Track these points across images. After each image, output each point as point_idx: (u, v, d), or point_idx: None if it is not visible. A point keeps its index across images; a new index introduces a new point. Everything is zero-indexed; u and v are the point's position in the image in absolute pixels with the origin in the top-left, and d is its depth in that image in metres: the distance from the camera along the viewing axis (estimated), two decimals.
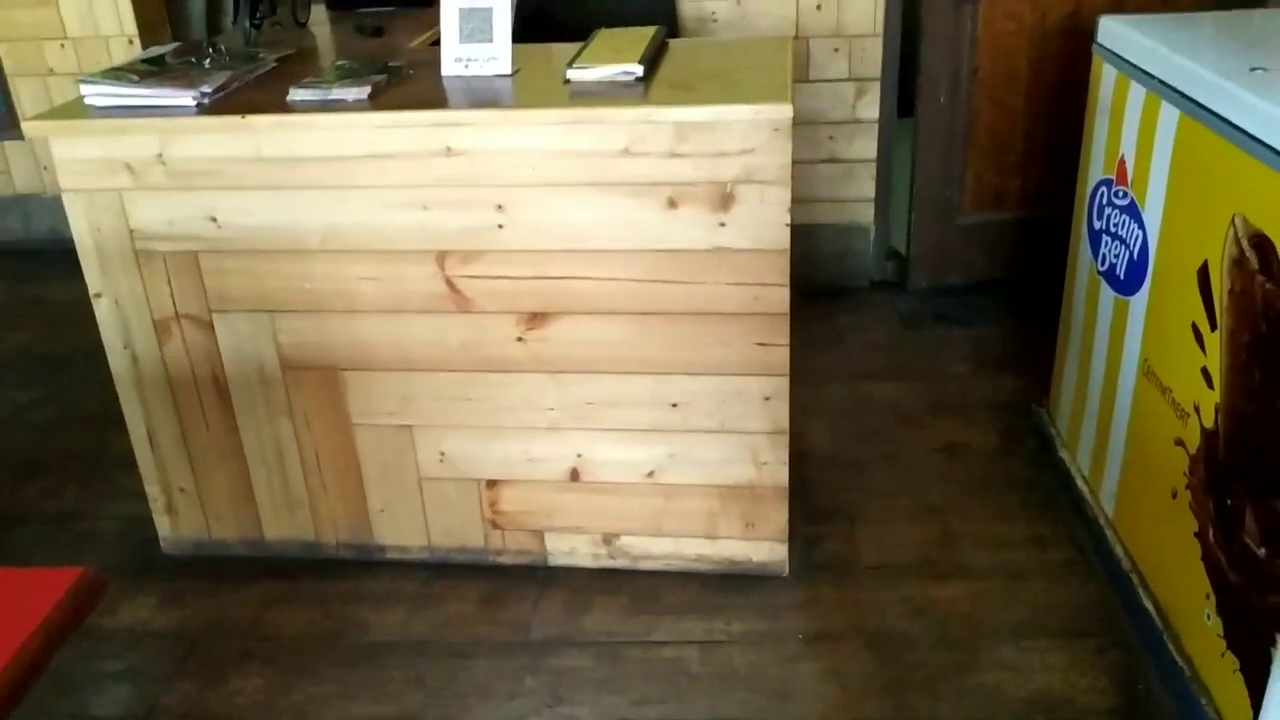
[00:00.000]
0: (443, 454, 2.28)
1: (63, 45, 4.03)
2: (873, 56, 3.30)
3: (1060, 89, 3.30)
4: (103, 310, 2.25)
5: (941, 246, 3.54)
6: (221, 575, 2.40)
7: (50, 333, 3.59)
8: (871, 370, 3.10)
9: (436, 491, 2.32)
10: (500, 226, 2.05)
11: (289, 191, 2.08)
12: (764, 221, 1.98)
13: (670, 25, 3.18)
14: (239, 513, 2.41)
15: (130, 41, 3.99)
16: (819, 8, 3.25)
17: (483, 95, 2.07)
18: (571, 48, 2.25)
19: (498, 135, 1.98)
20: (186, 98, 2.06)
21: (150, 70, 2.17)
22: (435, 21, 2.79)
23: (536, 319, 2.12)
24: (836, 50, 3.30)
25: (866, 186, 3.48)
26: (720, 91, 1.99)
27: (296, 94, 2.06)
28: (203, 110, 2.05)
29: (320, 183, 2.06)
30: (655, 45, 2.22)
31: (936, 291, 3.53)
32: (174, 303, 2.22)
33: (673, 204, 1.98)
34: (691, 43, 2.40)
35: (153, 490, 2.42)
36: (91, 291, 2.23)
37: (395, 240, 2.09)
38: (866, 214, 3.52)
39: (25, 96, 4.14)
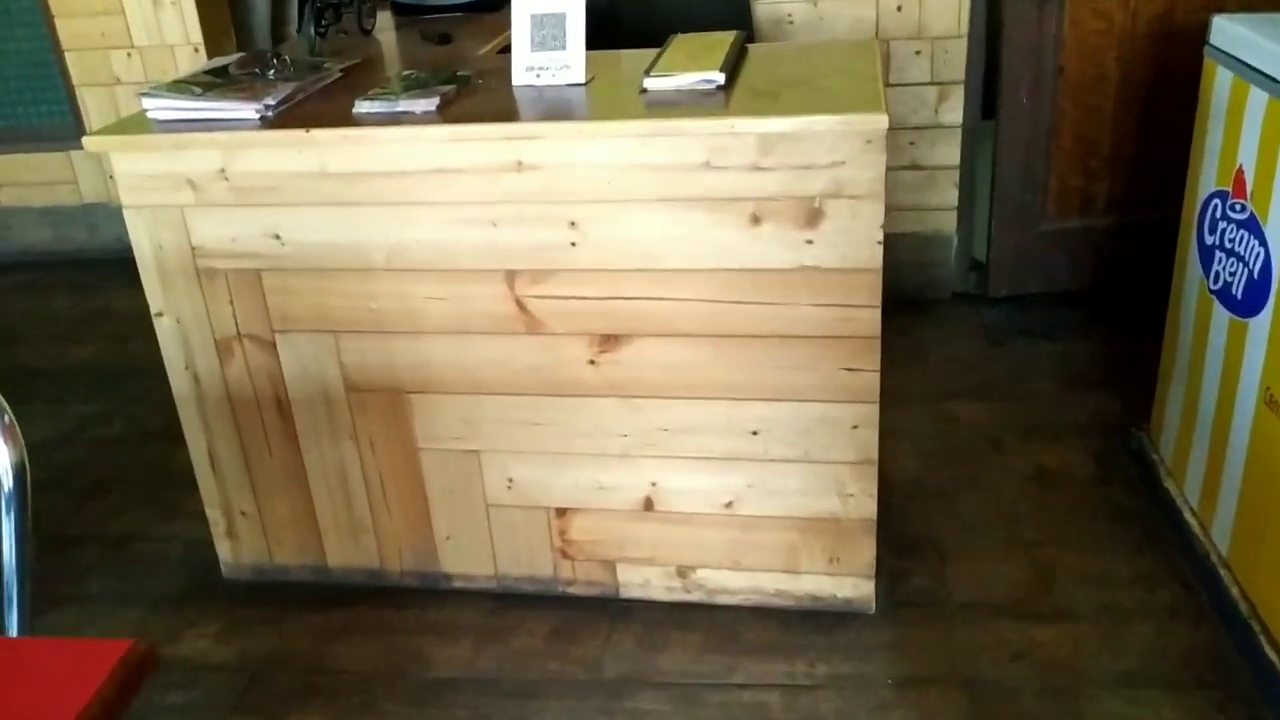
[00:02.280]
0: (510, 480, 2.18)
1: (129, 54, 4.02)
2: (956, 58, 3.15)
3: (1153, 91, 3.13)
4: (164, 329, 2.18)
5: (1022, 253, 3.38)
6: (283, 603, 2.32)
7: (114, 346, 3.56)
8: (956, 388, 2.95)
9: (504, 519, 2.23)
10: (572, 244, 1.95)
11: (354, 208, 1.99)
12: (854, 239, 1.85)
13: (745, 28, 3.07)
14: (301, 538, 2.34)
15: (196, 50, 3.96)
16: (899, 9, 3.11)
17: (555, 106, 1.97)
18: (646, 54, 2.14)
19: (571, 149, 1.87)
20: (250, 111, 1.98)
21: (213, 82, 2.10)
22: (504, 27, 2.71)
23: (609, 341, 2.01)
24: (918, 53, 3.15)
25: (949, 194, 3.33)
26: (807, 100, 1.87)
27: (362, 106, 1.97)
28: (266, 123, 1.98)
29: (386, 199, 1.97)
30: (735, 51, 2.11)
31: (1020, 304, 3.38)
32: (236, 322, 2.15)
33: (756, 220, 1.87)
34: (772, 47, 2.28)
35: (213, 514, 2.35)
36: (153, 310, 2.17)
37: (463, 259, 1.99)
38: (949, 222, 3.37)
39: (92, 106, 4.13)
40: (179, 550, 2.53)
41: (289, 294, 2.10)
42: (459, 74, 2.12)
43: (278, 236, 2.05)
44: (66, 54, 4.07)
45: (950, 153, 3.27)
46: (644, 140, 1.85)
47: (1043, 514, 2.43)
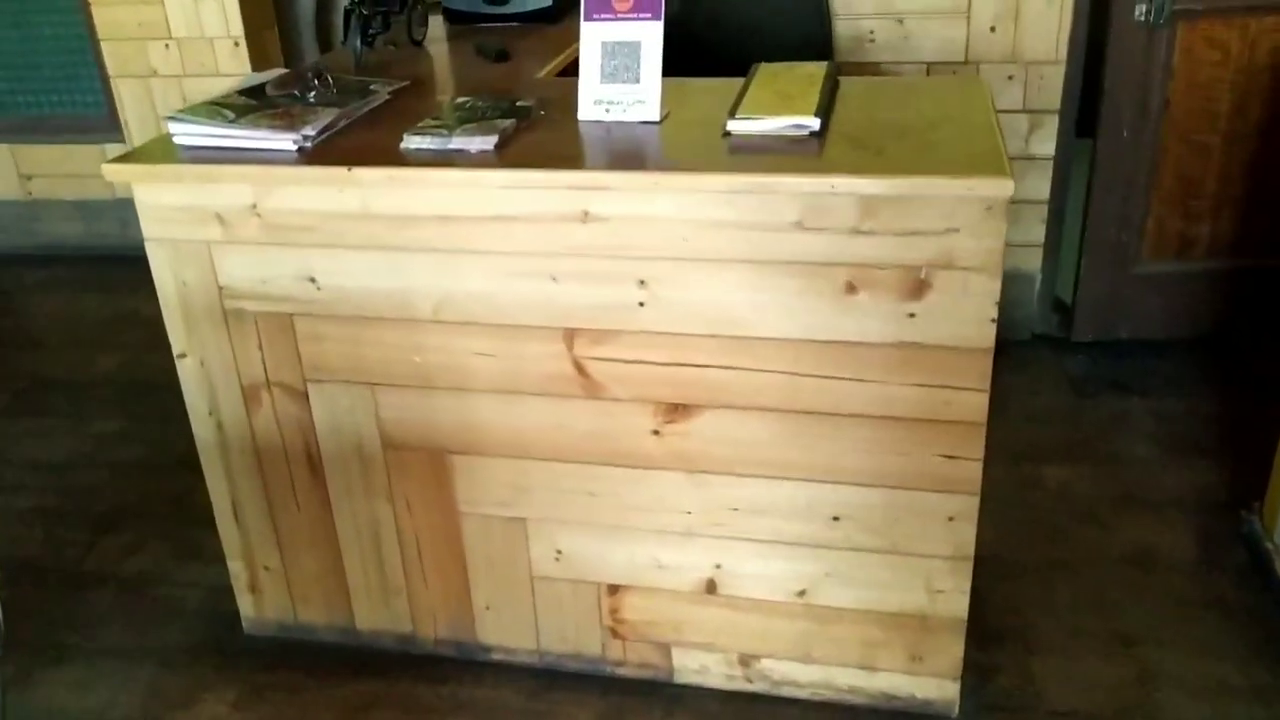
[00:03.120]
0: (559, 552, 1.98)
1: (167, 46, 3.84)
2: (1052, 85, 2.90)
3: (1269, 128, 2.86)
4: (187, 372, 1.99)
5: (1112, 296, 3.14)
6: (308, 666, 2.14)
7: (141, 357, 3.39)
8: (1039, 447, 2.72)
9: (550, 592, 2.03)
10: (641, 304, 1.73)
11: (398, 253, 1.79)
12: (964, 314, 1.63)
13: (824, 45, 2.83)
14: (329, 597, 2.15)
15: (236, 44, 3.77)
16: (993, 29, 2.86)
17: (627, 149, 1.76)
18: (726, 86, 1.92)
19: (645, 201, 1.66)
20: (286, 141, 1.78)
21: (248, 105, 1.89)
22: (565, 42, 2.49)
23: (677, 411, 1.80)
24: (1011, 78, 2.91)
25: (1035, 229, 3.08)
26: (917, 156, 1.64)
27: (411, 142, 1.76)
28: (304, 156, 1.77)
29: (435, 245, 1.77)
30: (828, 88, 1.88)
31: (1107, 351, 3.13)
32: (265, 369, 1.95)
33: (851, 289, 1.64)
34: (869, 84, 2.05)
35: (235, 566, 2.17)
36: (175, 351, 1.98)
37: (518, 314, 1.79)
38: (1033, 260, 3.12)
39: (127, 98, 3.95)
40: (198, 598, 2.35)
41: (324, 342, 1.90)
42: (518, 104, 1.91)
43: (313, 280, 1.85)
44: (102, 43, 3.89)
45: (1039, 186, 3.03)
46: (728, 196, 1.62)
47: (1142, 604, 2.19)
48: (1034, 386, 3.00)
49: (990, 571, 2.27)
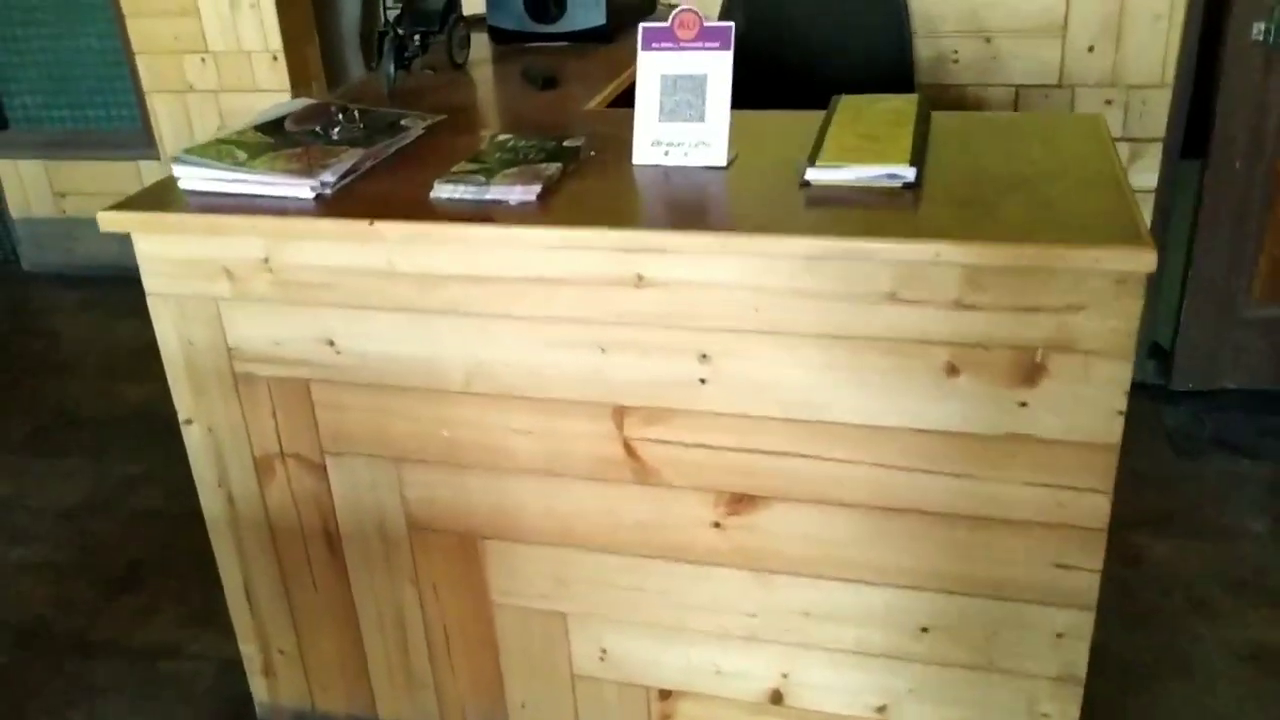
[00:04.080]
0: (604, 651, 1.74)
1: (203, 60, 3.67)
2: (1156, 112, 2.63)
3: None
4: (193, 439, 1.79)
5: (1217, 342, 2.85)
6: None
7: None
8: (1138, 516, 2.44)
9: (593, 693, 1.79)
10: (702, 381, 1.49)
11: (427, 316, 1.57)
12: (1086, 404, 1.37)
13: (903, 65, 2.57)
14: (349, 685, 1.93)
15: (275, 58, 3.59)
16: (1091, 49, 2.59)
17: (688, 201, 1.52)
18: (802, 120, 1.69)
19: (709, 265, 1.42)
20: (303, 188, 1.57)
21: (262, 143, 1.68)
22: (618, 66, 2.26)
23: (742, 501, 1.56)
24: (1109, 102, 2.63)
25: None
26: (1032, 216, 1.38)
27: (443, 190, 1.54)
28: (322, 205, 1.56)
29: (468, 308, 1.54)
30: (922, 127, 1.63)
31: (1210, 403, 2.84)
32: (279, 438, 1.74)
33: (952, 371, 1.39)
34: (967, 122, 1.79)
35: (248, 649, 1.96)
36: (181, 416, 1.78)
37: (561, 387, 1.56)
38: None
39: (162, 114, 3.79)
40: (210, 675, 2.16)
41: (343, 411, 1.69)
42: (565, 144, 1.68)
43: (332, 343, 1.63)
44: (137, 56, 3.74)
45: None
46: (807, 262, 1.38)
47: (1264, 714, 1.91)
48: (1128, 443, 2.70)
49: (1093, 668, 2.00)
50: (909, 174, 1.47)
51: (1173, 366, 2.90)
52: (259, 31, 3.57)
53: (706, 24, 1.58)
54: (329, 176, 1.57)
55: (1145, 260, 1.26)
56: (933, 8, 2.65)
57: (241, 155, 1.64)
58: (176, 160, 1.63)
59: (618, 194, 1.56)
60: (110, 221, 1.61)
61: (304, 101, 1.87)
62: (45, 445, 3.03)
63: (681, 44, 1.59)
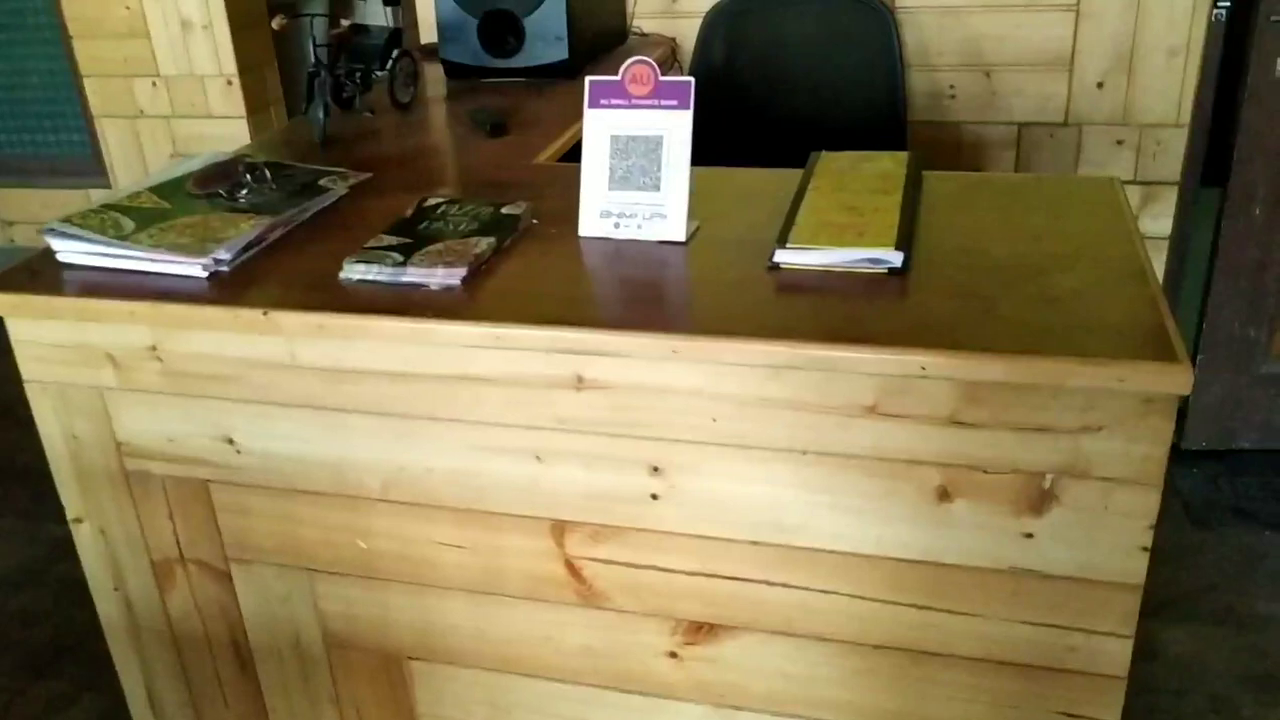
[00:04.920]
0: None
1: (154, 84, 3.45)
2: (1170, 153, 2.42)
3: None
4: (84, 539, 1.58)
5: (1234, 398, 2.64)
6: None
7: None
8: (1153, 597, 2.21)
9: None
10: (654, 497, 1.28)
11: (338, 415, 1.35)
12: (1104, 538, 1.16)
13: (895, 99, 2.36)
14: None
15: (229, 83, 3.37)
16: (1101, 85, 2.37)
17: (640, 287, 1.30)
18: (773, 181, 1.48)
19: (660, 369, 1.20)
20: (194, 266, 1.35)
21: (155, 210, 1.47)
22: (579, 105, 2.04)
23: (702, 630, 1.34)
24: (1120, 143, 2.42)
25: None
26: (1039, 316, 1.16)
27: (353, 271, 1.32)
28: (216, 287, 1.34)
29: (384, 408, 1.33)
30: (911, 195, 1.41)
31: (1227, 464, 2.63)
32: (178, 543, 1.53)
33: (944, 495, 1.18)
34: (962, 186, 1.57)
35: None
36: (69, 514, 1.56)
37: (493, 499, 1.34)
38: None
39: (112, 140, 3.57)
40: None
41: (248, 516, 1.47)
42: (504, 210, 1.46)
43: (231, 441, 1.42)
44: (85, 79, 3.51)
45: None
46: (775, 370, 1.16)
47: None
48: None
49: None
50: (894, 259, 1.26)
51: (1186, 424, 2.69)
52: (212, 55, 3.35)
53: (663, 79, 1.36)
54: (224, 253, 1.36)
55: (1177, 380, 1.05)
56: (928, 38, 2.43)
57: (127, 225, 1.42)
58: (50, 231, 1.41)
59: (559, 275, 1.34)
60: None
61: (213, 157, 1.65)
62: None
63: (634, 101, 1.37)
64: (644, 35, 2.60)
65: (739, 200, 1.53)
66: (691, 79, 1.36)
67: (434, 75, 2.35)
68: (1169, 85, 2.36)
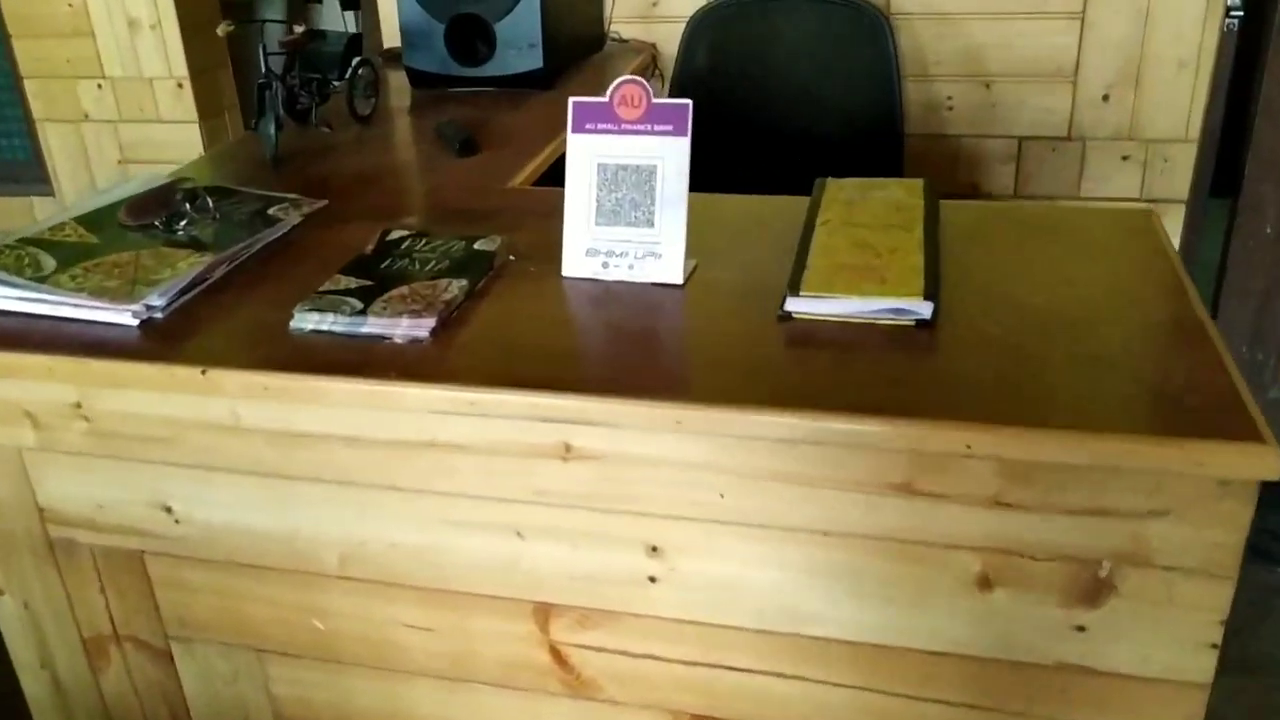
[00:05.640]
0: None
1: (100, 86, 3.24)
2: (1179, 170, 2.29)
3: None
4: (5, 613, 1.40)
5: None
6: None
7: None
8: None
9: None
10: (652, 580, 1.13)
11: (288, 483, 1.19)
12: (1167, 633, 1.02)
13: (890, 110, 2.22)
14: None
15: (180, 85, 3.18)
16: (1106, 98, 2.25)
17: (633, 340, 1.15)
18: (776, 208, 1.33)
19: (662, 440, 1.05)
20: (122, 313, 1.18)
21: (81, 245, 1.29)
22: (557, 121, 1.88)
23: None
24: (1126, 158, 2.29)
25: None
26: (1092, 381, 1.02)
27: (305, 320, 1.16)
28: (148, 337, 1.17)
29: (341, 476, 1.16)
30: (931, 230, 1.26)
31: None
32: (111, 618, 1.36)
33: (985, 584, 1.03)
34: (980, 217, 1.43)
35: None
36: None
37: (465, 577, 1.19)
38: None
39: (55, 145, 3.37)
40: None
41: (189, 590, 1.31)
42: (477, 246, 1.30)
43: (169, 509, 1.25)
44: (25, 81, 3.30)
45: None
46: (790, 445, 1.01)
47: None
48: None
49: None
50: (922, 310, 1.11)
51: None
52: (161, 56, 3.16)
53: (657, 101, 1.21)
54: (157, 299, 1.19)
55: (1266, 464, 0.91)
56: (925, 46, 2.29)
57: (48, 264, 1.25)
58: None
59: (541, 325, 1.18)
60: None
61: (149, 181, 1.47)
62: None
63: (624, 125, 1.22)
64: (623, 41, 2.44)
65: (736, 233, 1.38)
66: (689, 102, 1.21)
67: (397, 84, 2.19)
68: (1178, 98, 2.23)
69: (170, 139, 3.26)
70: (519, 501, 1.13)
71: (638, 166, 1.22)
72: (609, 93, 1.22)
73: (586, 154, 1.24)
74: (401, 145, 1.87)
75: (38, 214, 3.50)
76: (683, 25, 2.28)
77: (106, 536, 1.30)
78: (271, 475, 1.19)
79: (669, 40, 2.35)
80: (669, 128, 1.21)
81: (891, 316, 1.12)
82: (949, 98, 2.32)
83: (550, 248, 1.30)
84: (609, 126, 1.22)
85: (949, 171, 2.34)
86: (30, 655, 1.43)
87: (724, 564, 1.10)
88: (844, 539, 1.06)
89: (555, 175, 1.68)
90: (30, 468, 1.28)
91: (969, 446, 0.95)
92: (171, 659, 1.37)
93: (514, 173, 1.65)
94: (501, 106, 1.99)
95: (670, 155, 1.21)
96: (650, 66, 2.41)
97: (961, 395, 1.00)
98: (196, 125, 3.23)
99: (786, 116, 2.24)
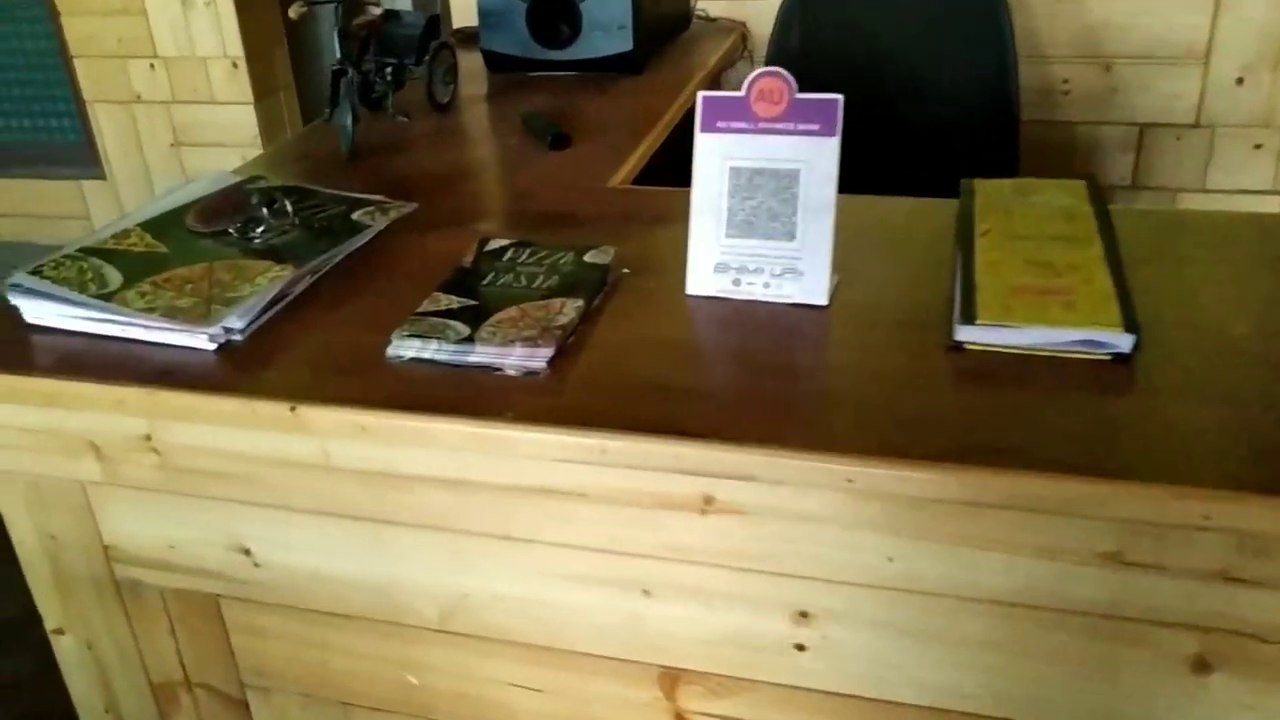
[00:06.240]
0: None
1: (152, 66, 3.13)
2: None
3: None
4: (67, 653, 1.29)
5: None
6: None
7: None
8: None
9: None
10: (800, 648, 0.98)
11: (384, 528, 1.05)
12: None
13: (1005, 94, 2.05)
14: None
15: (234, 65, 3.05)
16: (1240, 81, 2.06)
17: (783, 378, 1.00)
18: (916, 212, 1.17)
19: (823, 497, 0.90)
20: (199, 336, 1.04)
21: (150, 256, 1.16)
22: (651, 109, 1.73)
23: None
24: (1259, 147, 2.11)
25: None
26: None
27: (404, 347, 1.02)
28: (227, 362, 1.04)
29: (444, 522, 1.03)
30: (1108, 242, 1.10)
31: None
32: (182, 664, 1.24)
33: (1202, 667, 0.89)
34: (1153, 222, 1.26)
35: None
36: (48, 625, 1.26)
37: (581, 636, 1.05)
38: None
39: (106, 126, 3.26)
40: None
41: (267, 638, 1.18)
42: (587, 259, 1.16)
43: (247, 552, 1.12)
44: (75, 61, 3.19)
45: None
46: (975, 510, 0.86)
47: None
48: None
49: None
50: (1122, 343, 0.95)
51: None
52: (216, 34, 3.03)
53: (801, 96, 1.05)
54: (236, 321, 1.05)
55: None
56: (1039, 26, 2.11)
57: (114, 279, 1.12)
58: (14, 287, 1.11)
59: (669, 354, 1.03)
60: None
61: (218, 180, 1.34)
62: None
63: (762, 124, 1.06)
64: (710, 20, 2.28)
65: (874, 243, 1.22)
66: (839, 97, 1.05)
67: (471, 66, 2.04)
68: None
69: (224, 120, 3.14)
70: (647, 556, 0.99)
71: (777, 171, 1.07)
72: (745, 86, 1.07)
73: (717, 156, 1.09)
74: (485, 137, 1.72)
75: (88, 198, 3.40)
76: (776, 2, 2.12)
77: (178, 578, 1.17)
78: (364, 519, 1.06)
79: (761, 19, 2.19)
80: (815, 126, 1.06)
81: (1082, 350, 0.96)
82: (1065, 81, 2.14)
83: (664, 260, 1.16)
84: (744, 125, 1.07)
85: (1062, 160, 2.17)
86: (94, 698, 1.32)
87: (886, 634, 0.96)
88: (1032, 611, 0.91)
89: (653, 175, 1.53)
90: (95, 502, 1.16)
91: (1207, 518, 0.80)
92: (247, 708, 1.25)
93: (612, 170, 1.50)
94: (588, 93, 1.84)
95: (816, 158, 1.06)
96: (740, 48, 2.25)
97: (1180, 450, 0.85)
98: (251, 106, 3.11)
99: (891, 102, 2.07)
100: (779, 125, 1.07)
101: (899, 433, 0.89)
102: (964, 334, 0.99)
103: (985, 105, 2.04)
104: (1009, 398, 0.93)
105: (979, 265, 1.07)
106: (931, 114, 2.06)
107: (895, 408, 0.93)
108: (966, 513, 0.88)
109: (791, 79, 1.06)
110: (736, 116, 1.08)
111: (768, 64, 2.09)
